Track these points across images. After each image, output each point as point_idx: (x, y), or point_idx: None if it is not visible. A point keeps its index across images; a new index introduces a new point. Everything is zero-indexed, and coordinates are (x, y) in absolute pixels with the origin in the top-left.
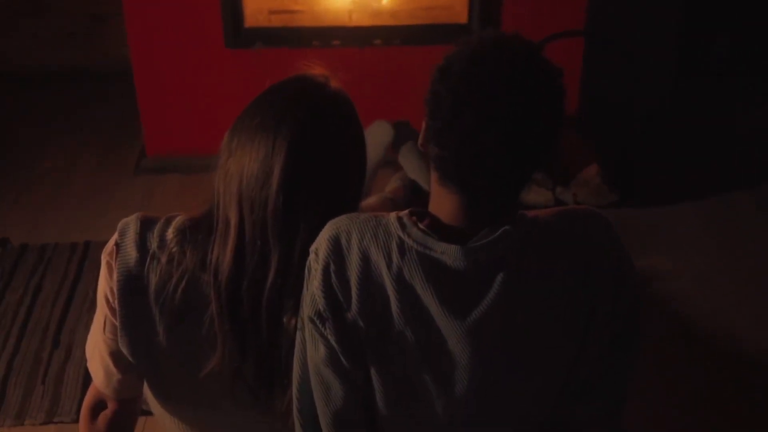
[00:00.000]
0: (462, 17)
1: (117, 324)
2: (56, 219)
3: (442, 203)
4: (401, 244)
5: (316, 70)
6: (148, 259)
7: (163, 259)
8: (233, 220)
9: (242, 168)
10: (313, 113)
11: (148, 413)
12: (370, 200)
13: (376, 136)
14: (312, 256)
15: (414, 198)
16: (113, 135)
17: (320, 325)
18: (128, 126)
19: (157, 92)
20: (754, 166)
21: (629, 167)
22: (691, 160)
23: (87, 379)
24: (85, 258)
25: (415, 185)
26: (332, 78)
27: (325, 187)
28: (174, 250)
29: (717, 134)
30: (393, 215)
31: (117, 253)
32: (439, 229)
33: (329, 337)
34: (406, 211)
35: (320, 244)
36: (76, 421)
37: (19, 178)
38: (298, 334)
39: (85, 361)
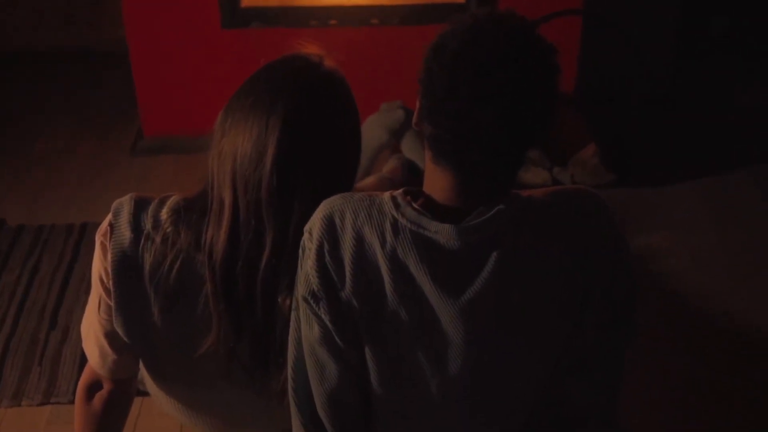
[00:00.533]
0: None
1: (112, 304)
2: (53, 200)
3: (436, 182)
4: (395, 224)
5: (311, 49)
6: (143, 240)
7: (158, 240)
8: (227, 200)
9: (236, 148)
10: (307, 93)
11: (145, 394)
12: (369, 180)
13: (385, 119)
14: (306, 235)
15: (412, 177)
16: (111, 116)
17: (314, 305)
18: (125, 107)
19: (153, 73)
20: (752, 147)
21: (627, 147)
22: (688, 141)
23: (84, 359)
24: (82, 239)
25: (413, 165)
26: (327, 57)
27: (320, 166)
28: (168, 230)
29: (715, 114)
30: (387, 194)
31: (111, 233)
32: (433, 209)
33: (323, 316)
34: (401, 191)
35: (314, 224)
36: (73, 401)
37: (16, 159)
38: (293, 314)
39: (82, 341)
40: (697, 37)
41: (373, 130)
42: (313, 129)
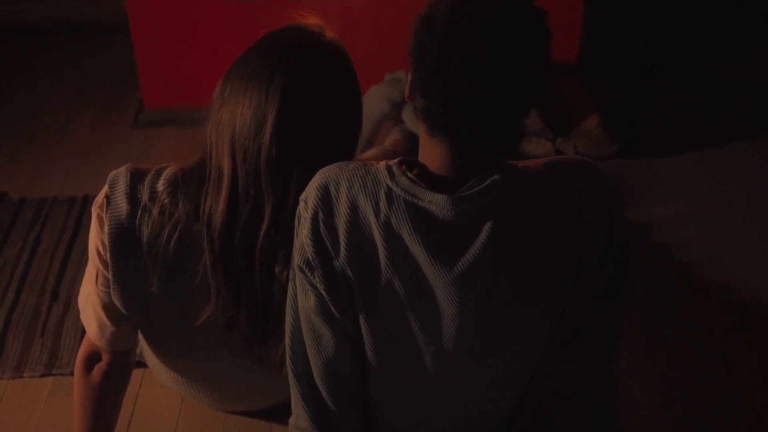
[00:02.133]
0: None
1: (109, 277)
2: (55, 173)
3: (431, 153)
4: (389, 193)
5: (312, 20)
6: (140, 211)
7: (155, 211)
8: (226, 170)
9: (235, 117)
10: (306, 63)
11: (147, 366)
12: (372, 152)
13: (385, 90)
14: (301, 204)
15: (415, 149)
16: (112, 88)
17: (309, 274)
18: (127, 79)
19: (154, 45)
20: (755, 115)
21: (630, 117)
22: (691, 110)
23: (85, 331)
24: (84, 211)
25: (415, 136)
26: (328, 28)
27: (319, 136)
28: (166, 201)
29: (718, 83)
30: (383, 164)
31: (108, 205)
32: (427, 178)
33: (318, 285)
34: (396, 160)
35: (309, 193)
36: None
37: (17, 131)
38: (290, 283)
39: (80, 313)
40: (701, 5)
41: (374, 101)
42: (313, 100)
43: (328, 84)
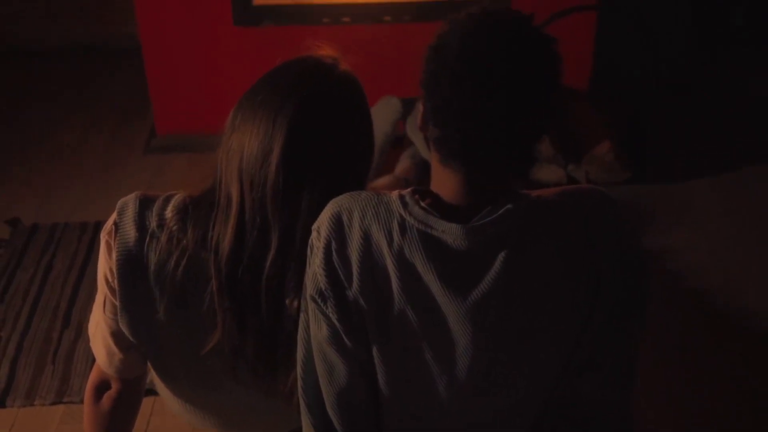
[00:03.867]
0: None
1: (117, 304)
2: (67, 198)
3: (444, 182)
4: (402, 223)
5: (326, 51)
6: (148, 238)
7: (163, 238)
8: (234, 197)
9: (243, 145)
10: (316, 94)
11: (158, 393)
12: (383, 181)
13: (384, 112)
14: (314, 234)
15: (425, 176)
16: (124, 113)
17: (322, 304)
18: (139, 104)
19: (166, 71)
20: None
21: (642, 142)
22: (705, 134)
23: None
24: (96, 237)
25: (426, 163)
26: (341, 60)
27: (328, 167)
28: (174, 228)
29: (732, 107)
30: (395, 193)
31: (116, 232)
32: (441, 208)
33: (331, 315)
34: (409, 190)
35: (322, 223)
36: None
37: (29, 156)
38: (302, 314)
39: (89, 341)
40: (714, 28)
41: (376, 122)
42: (322, 131)
43: (337, 115)
